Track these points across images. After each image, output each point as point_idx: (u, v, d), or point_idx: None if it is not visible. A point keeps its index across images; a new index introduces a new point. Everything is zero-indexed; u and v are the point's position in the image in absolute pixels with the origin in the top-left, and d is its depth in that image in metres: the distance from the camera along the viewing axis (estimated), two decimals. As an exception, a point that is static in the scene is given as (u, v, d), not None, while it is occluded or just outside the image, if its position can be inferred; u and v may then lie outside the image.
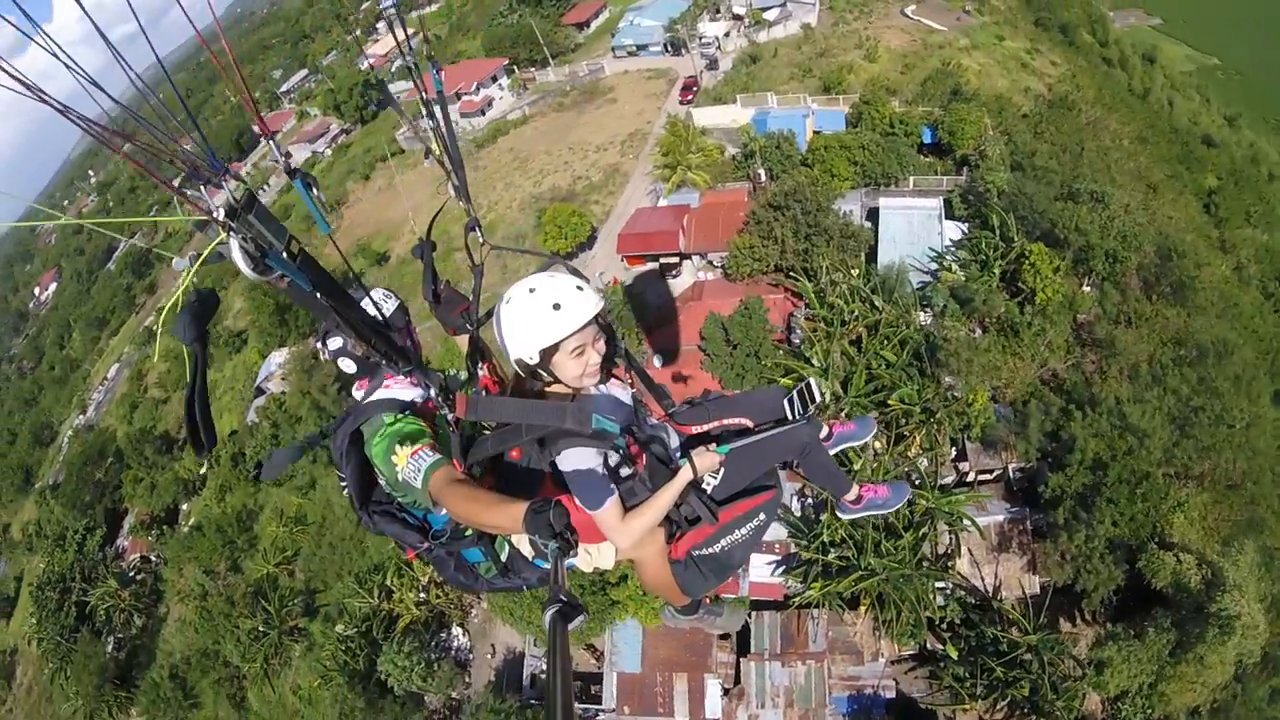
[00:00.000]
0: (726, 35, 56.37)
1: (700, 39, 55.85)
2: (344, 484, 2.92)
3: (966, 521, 23.05)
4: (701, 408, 3.31)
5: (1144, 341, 25.62)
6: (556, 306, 2.45)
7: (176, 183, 1.44)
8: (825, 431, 3.55)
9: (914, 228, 31.52)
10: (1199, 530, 22.72)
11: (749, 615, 23.16)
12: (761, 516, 3.09)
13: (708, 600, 4.03)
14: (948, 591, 22.98)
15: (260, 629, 32.51)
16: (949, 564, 23.34)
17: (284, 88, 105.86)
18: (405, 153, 62.55)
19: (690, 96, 49.12)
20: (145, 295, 79.79)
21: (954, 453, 25.65)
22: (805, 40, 52.11)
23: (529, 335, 2.49)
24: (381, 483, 2.87)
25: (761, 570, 23.60)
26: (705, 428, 3.24)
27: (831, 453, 3.54)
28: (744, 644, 23.94)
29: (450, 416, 2.53)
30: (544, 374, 2.61)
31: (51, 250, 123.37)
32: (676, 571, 3.04)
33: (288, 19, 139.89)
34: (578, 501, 2.57)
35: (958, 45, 46.91)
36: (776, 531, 23.45)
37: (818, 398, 3.12)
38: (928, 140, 37.51)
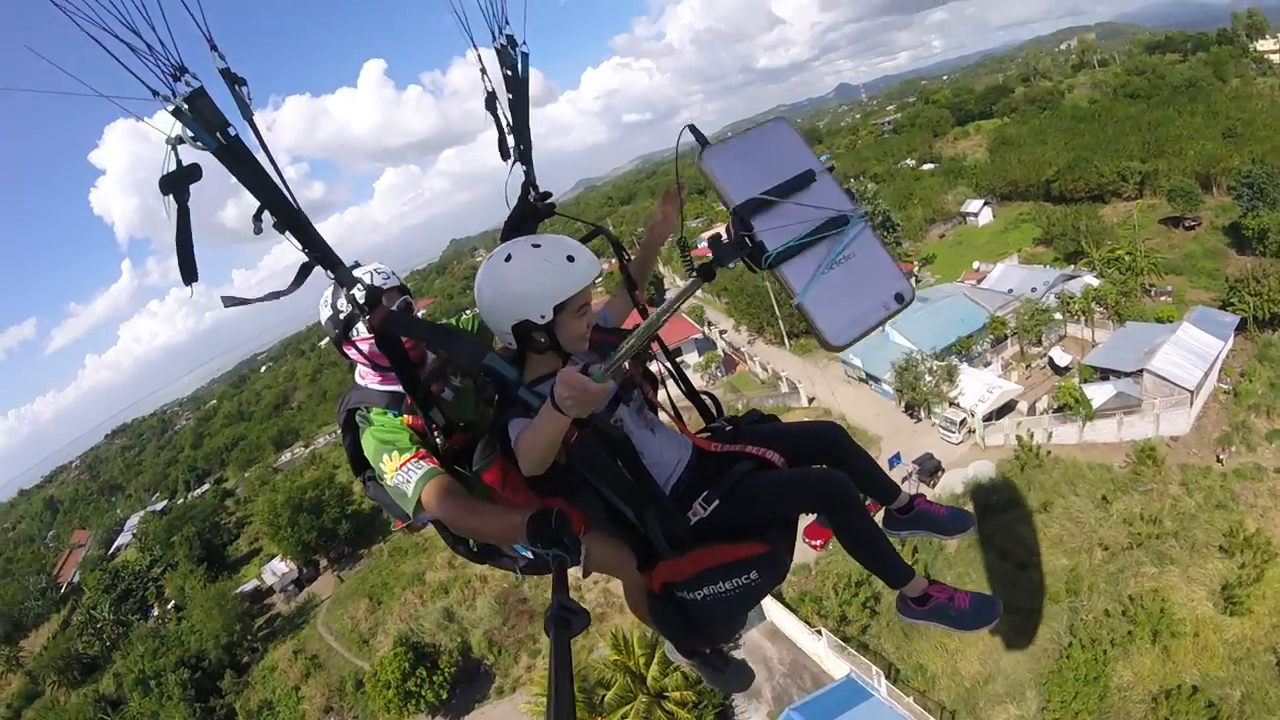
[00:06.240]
0: (997, 415, 34.41)
1: (944, 411, 35.02)
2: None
3: None
4: (735, 430, 2.80)
5: None
6: (571, 259, 2.29)
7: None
8: (902, 501, 2.87)
9: None
10: None
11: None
12: (753, 575, 2.45)
13: (707, 650, 3.24)
14: None
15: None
16: None
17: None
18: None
19: (821, 545, 28.60)
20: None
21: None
22: (1130, 481, 28.26)
23: (545, 289, 2.26)
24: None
25: None
26: (725, 448, 2.65)
27: (902, 535, 2.89)
28: None
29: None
30: (539, 339, 2.32)
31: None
32: (651, 606, 2.62)
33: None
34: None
35: None
36: None
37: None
38: None
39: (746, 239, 1.97)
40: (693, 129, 2.38)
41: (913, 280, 50.69)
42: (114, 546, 72.42)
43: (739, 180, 2.08)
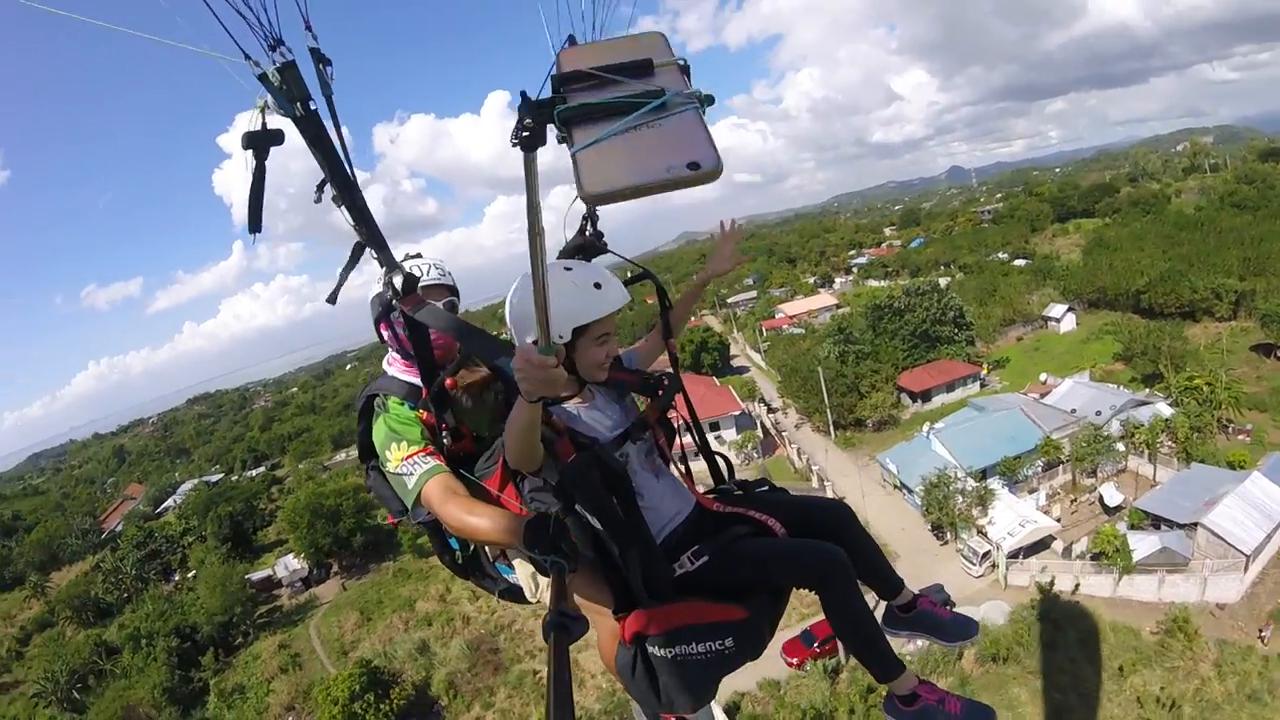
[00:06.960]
0: (1028, 552, 31.46)
1: (969, 539, 32.25)
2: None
3: None
4: (743, 495, 2.77)
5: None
6: (598, 285, 2.35)
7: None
8: (905, 598, 2.73)
9: None
10: None
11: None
12: (728, 642, 2.35)
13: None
14: None
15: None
16: None
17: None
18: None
19: (798, 664, 26.72)
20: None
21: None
22: (1155, 653, 25.06)
23: (567, 310, 2.29)
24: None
25: None
26: (727, 509, 2.60)
27: (901, 634, 2.73)
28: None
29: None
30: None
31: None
32: (619, 655, 2.46)
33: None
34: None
35: None
36: None
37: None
38: None
39: (559, 100, 1.87)
40: (571, 39, 2.30)
41: (980, 377, 46.19)
42: (161, 507, 75.81)
43: (579, 66, 2.02)
